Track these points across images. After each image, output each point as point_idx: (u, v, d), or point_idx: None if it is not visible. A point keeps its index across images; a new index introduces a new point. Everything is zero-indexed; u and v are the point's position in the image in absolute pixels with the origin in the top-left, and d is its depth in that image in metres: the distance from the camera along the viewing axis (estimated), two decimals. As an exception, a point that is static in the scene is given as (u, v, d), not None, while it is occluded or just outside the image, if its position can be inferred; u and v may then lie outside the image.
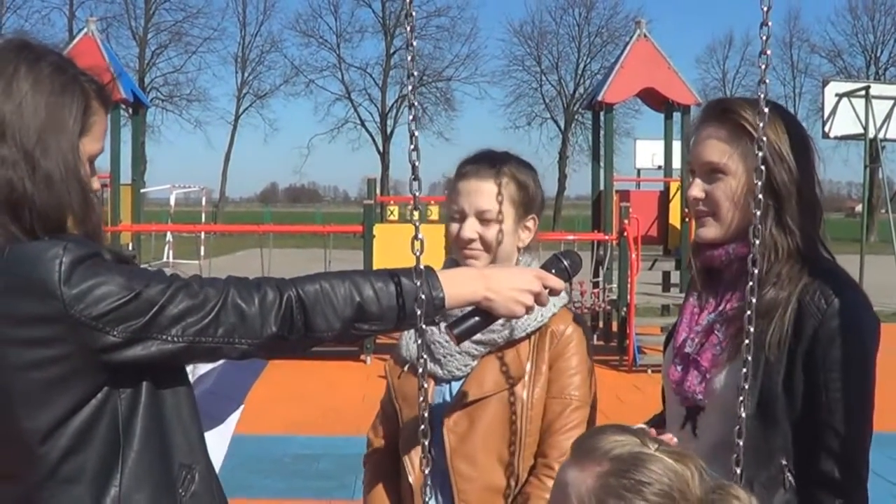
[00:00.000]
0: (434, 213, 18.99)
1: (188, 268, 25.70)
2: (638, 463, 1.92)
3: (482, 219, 3.24)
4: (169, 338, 2.33)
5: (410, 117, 2.40)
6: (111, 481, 2.37)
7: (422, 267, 2.54)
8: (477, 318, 2.75)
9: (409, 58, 2.40)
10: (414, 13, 2.36)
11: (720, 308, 2.99)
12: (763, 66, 2.32)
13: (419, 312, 2.52)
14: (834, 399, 2.73)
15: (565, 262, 2.92)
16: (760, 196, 2.45)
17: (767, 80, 2.33)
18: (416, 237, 2.47)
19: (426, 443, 2.58)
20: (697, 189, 2.96)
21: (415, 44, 2.39)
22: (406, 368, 3.35)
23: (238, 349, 2.42)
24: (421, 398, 2.55)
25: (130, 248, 18.91)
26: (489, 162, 3.28)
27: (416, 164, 2.42)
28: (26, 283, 2.25)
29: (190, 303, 2.35)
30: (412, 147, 2.40)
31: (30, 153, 2.34)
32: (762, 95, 2.35)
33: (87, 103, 2.45)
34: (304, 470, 9.86)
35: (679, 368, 3.01)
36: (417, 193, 2.41)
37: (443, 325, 2.86)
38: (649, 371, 15.36)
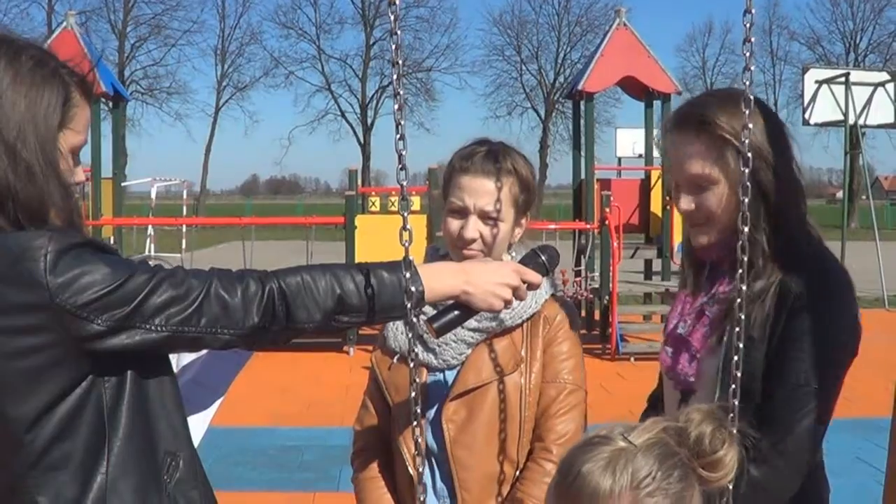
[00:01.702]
0: (416, 203, 18.98)
1: (170, 261, 25.62)
2: (646, 468, 1.93)
3: (485, 218, 3.23)
4: (152, 327, 2.34)
5: (396, 106, 2.38)
6: (97, 469, 2.39)
7: (402, 260, 2.55)
8: (456, 312, 2.77)
9: (394, 46, 2.38)
10: (397, 1, 2.33)
11: (712, 292, 2.99)
12: (747, 54, 2.31)
13: (408, 305, 2.53)
14: (790, 361, 2.73)
15: (543, 257, 2.93)
16: (746, 197, 2.44)
17: (752, 68, 2.32)
18: (404, 227, 2.43)
19: (419, 434, 2.57)
20: (687, 202, 2.95)
21: (399, 32, 2.36)
22: (396, 359, 3.34)
23: (220, 339, 2.43)
24: (413, 391, 2.54)
25: (112, 241, 18.85)
26: (493, 158, 3.24)
27: (403, 153, 2.39)
28: (12, 273, 2.25)
29: (173, 293, 2.36)
30: (398, 136, 2.38)
31: (11, 146, 2.36)
32: (747, 84, 2.34)
33: (67, 95, 2.46)
34: (288, 462, 9.85)
35: (670, 352, 3.04)
36: (405, 183, 2.38)
37: (422, 318, 2.86)
38: (632, 359, 15.39)
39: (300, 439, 10.62)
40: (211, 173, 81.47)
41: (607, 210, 16.32)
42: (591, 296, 17.41)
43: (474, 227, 3.21)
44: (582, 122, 18.66)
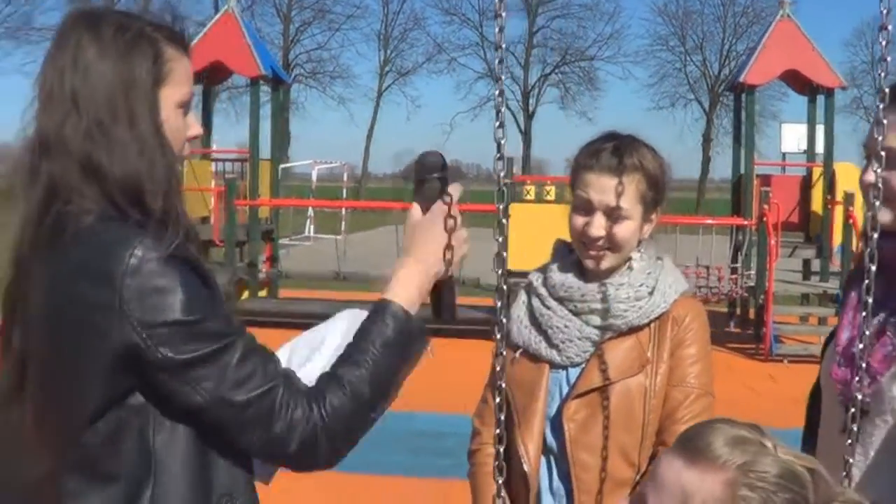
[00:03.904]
0: (551, 193, 18.95)
1: (327, 243, 25.97)
2: (767, 469, 1.85)
3: (611, 216, 3.15)
4: (197, 388, 2.24)
5: (497, 92, 2.28)
6: (142, 496, 2.28)
7: (375, 306, 2.48)
8: (442, 293, 2.64)
9: (497, 61, 2.30)
10: (503, 13, 2.22)
11: (893, 305, 2.82)
12: (884, 43, 2.17)
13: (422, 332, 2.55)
14: None
15: (432, 178, 2.58)
16: (877, 200, 2.29)
17: (889, 59, 2.18)
18: (500, 219, 2.28)
19: (501, 448, 2.43)
20: (872, 175, 2.80)
21: (504, 45, 2.27)
22: (518, 354, 3.28)
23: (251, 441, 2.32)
24: (497, 398, 2.42)
25: (269, 222, 19.19)
26: (620, 154, 3.16)
27: (502, 141, 2.27)
28: (95, 269, 2.20)
29: (246, 371, 2.27)
30: (497, 124, 2.26)
31: (101, 121, 2.29)
32: (882, 75, 2.21)
33: (157, 53, 2.38)
34: (428, 447, 9.85)
35: (844, 368, 2.87)
36: (502, 173, 2.25)
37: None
38: (785, 361, 15.04)
39: (442, 425, 10.48)
40: (373, 157, 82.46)
41: (766, 207, 16.00)
42: (746, 294, 17.13)
43: (599, 225, 3.14)
44: (743, 114, 18.40)
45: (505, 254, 2.24)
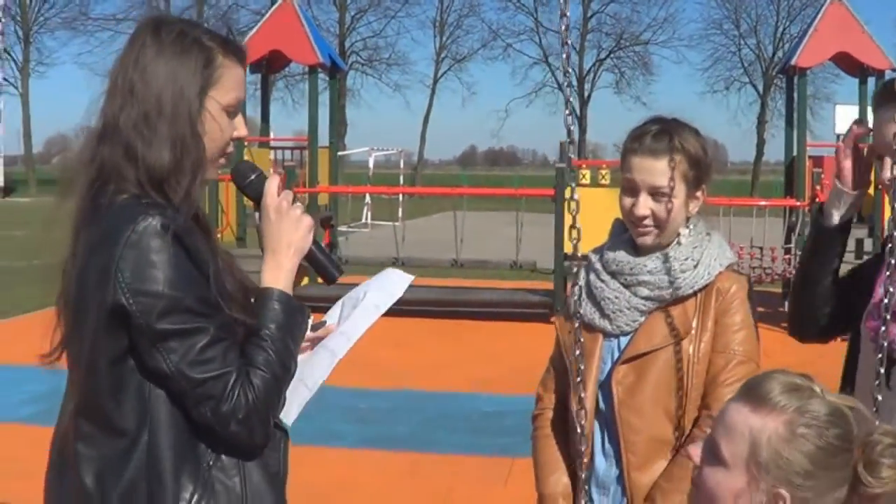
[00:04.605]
0: (606, 177, 18.89)
1: (384, 229, 25.99)
2: (818, 409, 2.11)
3: (655, 195, 3.35)
4: (165, 357, 2.53)
5: (566, 83, 2.50)
6: (139, 444, 2.58)
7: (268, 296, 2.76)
8: (313, 263, 2.91)
9: (564, 56, 2.51)
10: (568, 12, 2.44)
11: None
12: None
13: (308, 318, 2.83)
14: None
15: (249, 177, 2.94)
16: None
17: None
18: (571, 198, 2.56)
19: (585, 404, 2.68)
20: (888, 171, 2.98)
21: (569, 42, 2.49)
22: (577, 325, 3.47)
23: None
24: (577, 353, 2.68)
25: (328, 209, 19.30)
26: (662, 137, 3.36)
27: (572, 128, 2.53)
28: (107, 238, 2.52)
29: (210, 354, 2.55)
30: (567, 112, 2.52)
31: (148, 114, 2.62)
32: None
33: (208, 59, 2.69)
34: (490, 426, 9.92)
35: (878, 320, 2.94)
36: (572, 156, 2.50)
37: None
38: (838, 339, 14.97)
39: (503, 405, 10.59)
40: (429, 143, 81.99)
41: (818, 187, 16.00)
42: (800, 274, 17.02)
43: (645, 205, 3.35)
44: (795, 97, 18.38)
45: (579, 226, 2.51)
